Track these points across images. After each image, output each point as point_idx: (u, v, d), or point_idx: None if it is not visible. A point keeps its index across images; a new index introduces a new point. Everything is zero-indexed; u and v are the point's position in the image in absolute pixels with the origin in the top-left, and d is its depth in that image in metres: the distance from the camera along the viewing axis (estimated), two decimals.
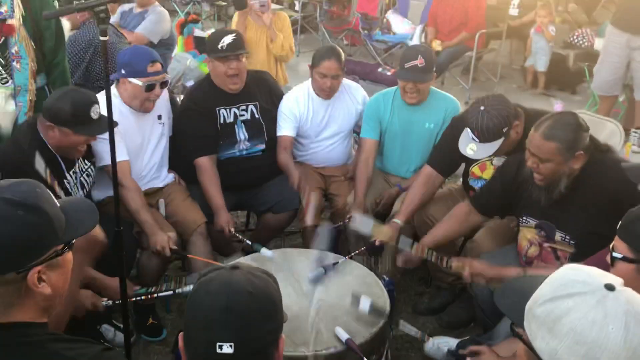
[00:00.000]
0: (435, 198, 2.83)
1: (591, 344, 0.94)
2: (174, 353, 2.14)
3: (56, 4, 2.84)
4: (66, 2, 3.22)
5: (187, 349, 1.07)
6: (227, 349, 1.00)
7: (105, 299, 2.16)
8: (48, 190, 1.25)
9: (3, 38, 2.52)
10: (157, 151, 2.87)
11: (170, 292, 2.27)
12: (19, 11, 2.53)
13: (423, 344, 2.36)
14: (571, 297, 0.98)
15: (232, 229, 2.80)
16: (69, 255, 1.25)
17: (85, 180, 2.54)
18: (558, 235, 2.18)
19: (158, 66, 2.65)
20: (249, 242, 2.68)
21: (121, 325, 2.66)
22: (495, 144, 2.39)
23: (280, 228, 3.17)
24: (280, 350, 1.09)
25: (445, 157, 2.76)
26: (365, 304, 2.07)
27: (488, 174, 2.68)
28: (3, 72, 2.57)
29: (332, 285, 2.27)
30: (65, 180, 2.42)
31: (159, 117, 2.85)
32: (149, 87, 2.63)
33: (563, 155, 2.03)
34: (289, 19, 4.35)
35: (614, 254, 1.42)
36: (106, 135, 2.51)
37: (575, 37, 6.07)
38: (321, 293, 2.20)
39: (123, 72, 2.64)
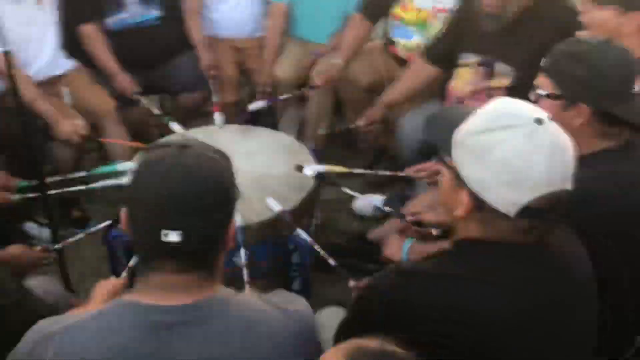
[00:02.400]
0: (356, 58, 2.81)
1: (517, 172, 0.99)
2: (105, 244, 2.10)
3: None
4: None
5: (131, 232, 0.99)
6: (174, 237, 0.92)
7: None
8: None
9: None
10: (45, 38, 2.62)
11: (83, 187, 2.18)
12: None
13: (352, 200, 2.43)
14: (503, 129, 1.02)
15: (135, 90, 2.71)
16: None
17: None
18: (500, 67, 2.21)
19: None
20: (157, 111, 2.61)
21: (44, 222, 2.59)
22: None
23: (196, 108, 3.07)
24: (231, 234, 1.02)
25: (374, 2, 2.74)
26: (309, 171, 2.08)
27: (410, 15, 2.66)
28: None
29: (258, 155, 2.27)
30: None
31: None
32: None
33: None
34: None
35: (539, 91, 1.45)
36: None
37: None
38: (247, 165, 2.20)
39: None
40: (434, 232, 1.71)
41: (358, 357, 0.82)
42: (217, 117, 2.50)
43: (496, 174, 1.00)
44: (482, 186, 1.02)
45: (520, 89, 2.10)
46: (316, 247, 1.83)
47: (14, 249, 1.77)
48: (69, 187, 2.73)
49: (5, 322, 1.02)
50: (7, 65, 1.88)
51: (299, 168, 2.10)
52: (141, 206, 0.96)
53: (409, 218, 1.78)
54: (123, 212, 1.00)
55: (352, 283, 1.61)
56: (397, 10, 2.71)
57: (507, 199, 1.01)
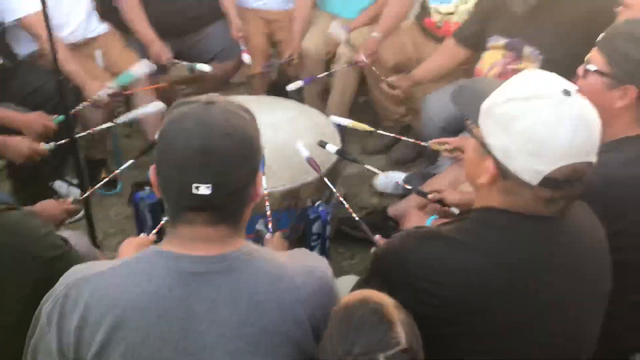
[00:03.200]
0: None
1: (541, 142, 1.01)
2: (132, 204, 2.16)
3: None
4: None
5: (160, 186, 1.02)
6: (204, 190, 0.95)
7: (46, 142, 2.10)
8: None
9: None
10: (77, 3, 2.65)
11: (111, 124, 2.21)
12: None
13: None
14: (529, 99, 1.03)
15: (169, 57, 2.76)
16: None
17: None
18: (527, 50, 2.21)
19: None
20: (189, 63, 2.67)
21: (74, 181, 2.67)
22: None
23: (227, 78, 3.11)
24: (258, 186, 1.05)
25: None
26: (332, 149, 2.09)
27: None
28: None
29: (283, 126, 2.30)
30: None
31: None
32: None
33: None
34: None
35: (588, 66, 1.43)
36: None
37: None
38: (272, 135, 2.23)
39: None
40: (455, 210, 1.73)
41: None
42: (246, 57, 2.73)
43: (521, 142, 1.02)
44: (507, 154, 1.04)
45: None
46: (347, 208, 1.82)
47: (45, 203, 1.83)
48: (98, 148, 2.82)
49: (55, 273, 1.07)
50: (45, 24, 1.91)
51: (322, 144, 2.11)
52: (170, 161, 0.99)
53: (430, 196, 1.79)
54: (152, 169, 1.04)
55: (376, 238, 1.62)
56: None
57: (530, 168, 1.02)
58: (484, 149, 1.08)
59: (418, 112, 2.73)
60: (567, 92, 1.03)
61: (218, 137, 0.97)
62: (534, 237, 1.08)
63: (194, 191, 0.95)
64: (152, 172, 1.04)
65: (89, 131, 2.24)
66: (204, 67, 2.59)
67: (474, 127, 1.11)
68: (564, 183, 1.02)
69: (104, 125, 2.21)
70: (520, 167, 1.03)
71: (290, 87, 2.53)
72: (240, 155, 0.99)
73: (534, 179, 1.03)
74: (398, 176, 2.71)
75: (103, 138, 2.82)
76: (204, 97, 1.03)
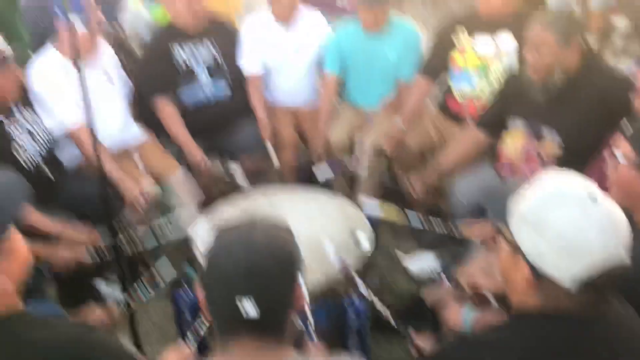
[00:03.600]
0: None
1: (574, 247, 1.04)
2: (172, 303, 2.22)
3: None
4: None
5: (208, 303, 1.10)
6: (250, 307, 1.03)
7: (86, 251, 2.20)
8: None
9: None
10: (113, 113, 2.83)
11: (156, 244, 2.33)
12: None
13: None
14: (558, 203, 1.08)
15: (208, 162, 2.89)
16: (12, 238, 1.24)
17: (35, 131, 2.53)
18: (548, 136, 2.28)
19: None
20: (222, 168, 2.83)
21: (112, 279, 2.74)
22: None
23: (258, 170, 3.23)
24: (300, 296, 1.13)
25: (432, 62, 2.89)
26: (365, 243, 2.15)
27: (471, 61, 2.75)
28: None
29: (316, 218, 2.36)
30: (5, 126, 2.39)
31: (107, 76, 2.81)
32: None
33: (560, 43, 2.12)
34: None
35: (616, 152, 1.46)
36: (54, 95, 2.54)
37: None
38: (306, 228, 2.29)
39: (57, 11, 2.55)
40: (490, 298, 1.74)
41: None
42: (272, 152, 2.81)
43: (553, 246, 1.06)
44: (540, 257, 1.08)
45: (570, 159, 2.17)
46: (378, 305, 1.87)
47: (89, 312, 1.89)
48: (138, 246, 2.91)
49: None
50: (91, 138, 2.06)
51: (355, 240, 2.16)
52: (218, 281, 1.08)
53: (464, 284, 1.81)
54: (199, 289, 1.12)
55: (412, 338, 1.64)
56: (455, 56, 2.80)
57: (564, 271, 1.06)
58: (517, 252, 1.12)
59: (447, 194, 2.78)
60: (593, 197, 1.07)
61: (262, 257, 1.06)
62: (570, 339, 1.09)
63: (240, 308, 1.03)
64: (199, 292, 1.11)
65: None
66: (237, 172, 2.73)
67: (505, 229, 1.15)
68: (599, 285, 1.05)
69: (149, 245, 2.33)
70: (554, 271, 1.07)
71: (320, 176, 2.60)
72: (282, 272, 1.07)
73: (568, 282, 1.06)
74: (430, 259, 2.73)
75: (142, 237, 2.91)
76: (246, 220, 1.13)
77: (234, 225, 1.13)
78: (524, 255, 1.10)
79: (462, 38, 2.78)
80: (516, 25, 2.60)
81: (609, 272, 1.05)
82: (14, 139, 2.42)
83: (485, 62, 2.74)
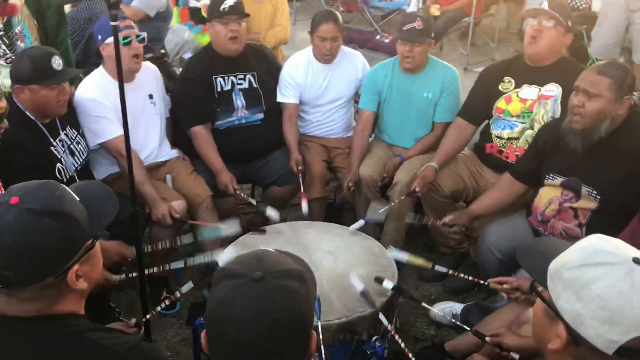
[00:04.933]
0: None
1: (616, 311, 1.00)
2: (191, 325, 2.20)
3: None
4: None
5: None
6: None
7: (117, 274, 2.20)
8: (64, 186, 1.25)
9: (6, 18, 2.52)
10: (152, 131, 2.89)
11: (181, 265, 2.31)
12: None
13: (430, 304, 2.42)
14: (600, 265, 1.04)
15: (236, 186, 2.90)
16: (97, 245, 1.28)
17: (75, 149, 2.58)
18: (584, 190, 2.23)
19: (128, 21, 2.68)
20: (254, 202, 2.82)
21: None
22: None
23: (285, 200, 3.23)
24: (312, 345, 1.06)
25: (475, 107, 2.86)
26: (388, 284, 2.10)
27: (514, 107, 2.73)
28: (8, 51, 2.57)
29: (341, 255, 2.34)
30: (52, 148, 2.44)
31: (150, 96, 2.88)
32: (126, 41, 2.63)
33: (614, 92, 2.09)
34: None
35: None
36: (99, 112, 2.60)
37: None
38: (330, 264, 2.27)
39: (100, 37, 2.66)
40: (515, 356, 1.69)
41: None
42: (304, 205, 2.77)
43: (594, 310, 1.02)
44: (579, 320, 1.03)
45: (605, 214, 2.11)
46: (400, 343, 1.81)
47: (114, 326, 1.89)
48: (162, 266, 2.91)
49: None
50: (123, 147, 2.07)
51: (379, 280, 2.11)
52: (221, 350, 1.02)
53: (488, 339, 1.76)
54: (203, 336, 1.06)
55: None
56: (499, 103, 2.78)
57: (604, 336, 1.01)
58: (554, 313, 1.08)
59: (476, 240, 2.73)
60: (637, 261, 1.03)
61: (267, 325, 0.98)
62: None
63: None
64: (203, 341, 1.06)
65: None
66: (272, 213, 2.69)
67: (542, 289, 1.11)
68: (636, 350, 1.00)
69: (175, 266, 2.29)
70: (593, 335, 1.02)
71: (353, 227, 2.56)
72: (290, 338, 1.00)
73: (608, 348, 1.01)
74: (454, 307, 2.67)
75: (165, 257, 2.92)
76: (252, 271, 1.02)
77: (236, 279, 1.02)
78: (562, 319, 1.06)
79: (510, 88, 2.76)
80: (563, 73, 2.58)
81: None
82: (58, 160, 2.46)
83: (527, 107, 2.71)
